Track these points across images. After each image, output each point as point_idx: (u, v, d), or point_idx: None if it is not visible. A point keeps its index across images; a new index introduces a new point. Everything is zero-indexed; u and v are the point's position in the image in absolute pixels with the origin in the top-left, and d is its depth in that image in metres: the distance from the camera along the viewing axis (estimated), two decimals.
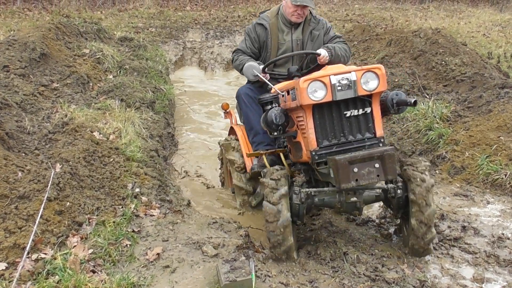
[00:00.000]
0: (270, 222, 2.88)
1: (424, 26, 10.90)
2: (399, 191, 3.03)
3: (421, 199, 2.89)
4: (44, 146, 3.97)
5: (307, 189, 3.04)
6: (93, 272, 2.75)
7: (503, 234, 3.38)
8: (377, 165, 2.71)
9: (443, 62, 6.78)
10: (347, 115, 2.86)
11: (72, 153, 3.75)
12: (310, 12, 3.86)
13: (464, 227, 3.48)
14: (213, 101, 8.20)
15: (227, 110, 4.55)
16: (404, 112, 3.57)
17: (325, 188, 3.06)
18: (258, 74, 3.43)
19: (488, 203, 3.87)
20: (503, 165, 4.14)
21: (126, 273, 2.77)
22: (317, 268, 2.98)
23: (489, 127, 4.68)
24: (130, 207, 3.52)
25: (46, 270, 2.66)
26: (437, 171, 4.54)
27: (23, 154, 3.68)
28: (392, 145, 5.14)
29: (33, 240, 2.78)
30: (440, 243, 3.29)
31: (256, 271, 2.75)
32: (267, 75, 3.72)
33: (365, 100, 2.86)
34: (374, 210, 4.05)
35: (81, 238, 3.03)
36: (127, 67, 7.09)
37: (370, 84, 2.80)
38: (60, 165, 3.53)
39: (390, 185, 3.04)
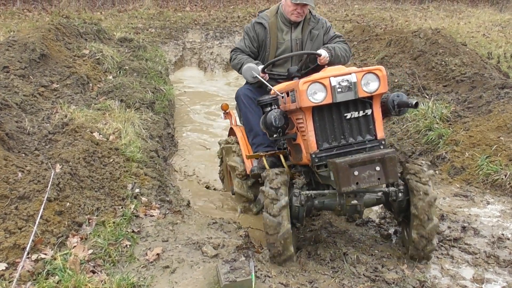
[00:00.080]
0: (270, 235, 2.84)
1: (424, 26, 10.90)
2: (400, 194, 2.97)
3: (423, 214, 2.86)
4: (44, 147, 3.97)
5: (307, 192, 3.00)
6: (93, 272, 2.75)
7: (503, 234, 3.38)
8: (378, 168, 2.66)
9: (443, 62, 6.78)
10: (348, 117, 2.82)
11: (72, 154, 3.75)
12: (310, 11, 3.82)
13: (464, 227, 3.49)
14: (213, 102, 8.21)
15: (227, 111, 4.49)
16: (405, 113, 3.55)
17: (326, 191, 3.03)
18: (257, 75, 3.37)
19: (488, 203, 3.87)
20: (503, 166, 4.14)
21: (126, 273, 2.77)
22: (317, 268, 2.98)
23: (489, 128, 4.68)
24: (130, 208, 3.52)
25: (46, 270, 2.66)
26: (437, 172, 4.54)
27: (23, 155, 3.68)
28: (392, 145, 5.15)
29: (33, 240, 2.78)
30: (440, 243, 3.29)
31: (256, 272, 2.75)
32: (266, 75, 3.68)
33: (365, 102, 2.82)
34: (374, 210, 4.04)
35: (81, 239, 3.03)
36: (127, 67, 7.09)
37: (370, 85, 2.76)
38: (60, 165, 3.53)
39: (392, 188, 2.99)
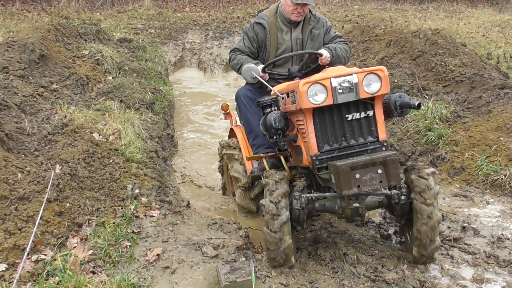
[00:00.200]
0: (271, 250, 2.82)
1: (424, 26, 10.91)
2: (403, 197, 2.92)
3: (426, 238, 2.85)
4: (44, 147, 3.97)
5: (308, 194, 2.95)
6: (93, 273, 2.75)
7: (502, 234, 3.38)
8: (380, 171, 2.60)
9: (442, 63, 6.79)
10: (349, 118, 2.75)
11: (72, 154, 3.75)
12: (310, 11, 3.79)
13: (463, 227, 3.49)
14: (213, 102, 8.21)
15: (227, 111, 4.43)
16: (407, 114, 3.52)
17: (327, 194, 2.97)
18: (257, 76, 3.32)
19: (488, 203, 3.88)
20: (502, 166, 4.15)
21: (126, 274, 2.77)
22: (317, 268, 2.98)
23: (488, 128, 4.69)
24: (130, 208, 3.52)
25: (46, 271, 2.66)
26: (437, 172, 4.54)
27: (23, 155, 3.68)
28: (391, 146, 5.15)
29: (33, 241, 2.78)
30: (440, 243, 3.29)
31: (256, 272, 2.76)
32: (266, 75, 3.64)
33: (367, 103, 2.76)
34: (374, 210, 4.04)
35: (81, 239, 3.03)
36: (127, 68, 7.10)
37: (372, 86, 2.70)
38: (59, 166, 3.53)
39: (394, 191, 2.93)
